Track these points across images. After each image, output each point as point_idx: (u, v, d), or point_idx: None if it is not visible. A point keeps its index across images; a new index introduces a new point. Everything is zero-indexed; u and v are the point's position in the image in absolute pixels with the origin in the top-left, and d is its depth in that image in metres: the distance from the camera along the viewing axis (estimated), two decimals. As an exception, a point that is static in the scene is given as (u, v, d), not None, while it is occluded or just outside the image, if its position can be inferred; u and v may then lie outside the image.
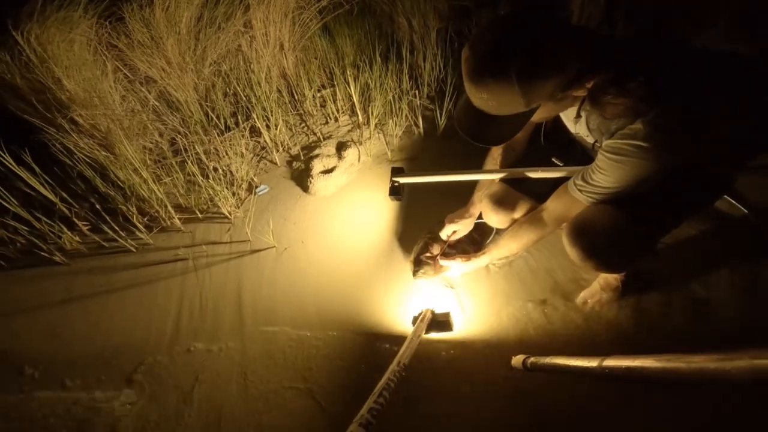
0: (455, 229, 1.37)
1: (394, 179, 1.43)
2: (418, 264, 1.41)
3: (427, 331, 1.24)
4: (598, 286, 1.29)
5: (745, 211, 1.35)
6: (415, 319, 1.29)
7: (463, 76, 0.83)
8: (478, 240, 1.49)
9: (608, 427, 1.09)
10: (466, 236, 1.42)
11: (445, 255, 1.38)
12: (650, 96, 0.79)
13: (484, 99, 0.82)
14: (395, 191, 1.43)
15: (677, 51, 0.85)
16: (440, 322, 1.26)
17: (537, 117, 0.89)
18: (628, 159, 0.85)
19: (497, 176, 1.29)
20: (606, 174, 0.90)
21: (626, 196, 0.92)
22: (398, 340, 1.31)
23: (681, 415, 1.06)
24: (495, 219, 1.33)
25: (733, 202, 1.35)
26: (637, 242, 1.02)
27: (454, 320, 1.29)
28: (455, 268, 1.34)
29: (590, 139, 1.01)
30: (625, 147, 0.84)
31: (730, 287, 1.25)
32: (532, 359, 1.06)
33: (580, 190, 0.98)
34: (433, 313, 1.29)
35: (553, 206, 1.08)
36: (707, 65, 0.85)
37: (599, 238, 0.98)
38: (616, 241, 0.97)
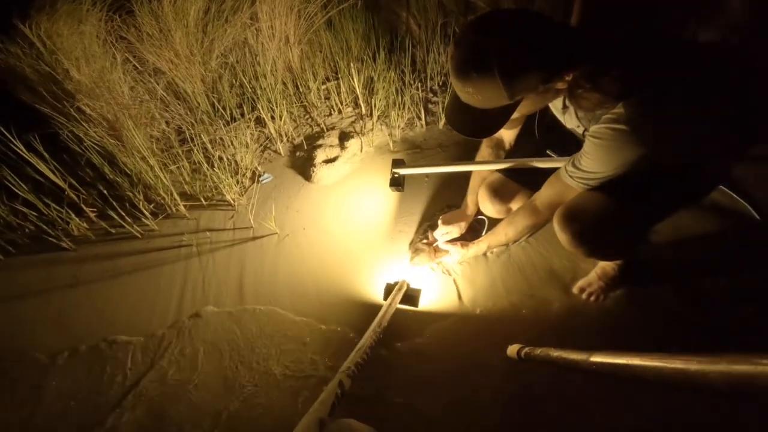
0: (448, 230, 1.40)
1: (395, 170, 1.45)
2: (416, 250, 1.44)
3: (400, 301, 1.30)
4: (595, 275, 1.30)
5: (751, 210, 1.35)
6: (389, 287, 1.37)
7: (450, 73, 0.85)
8: (477, 229, 1.51)
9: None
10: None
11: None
12: (621, 91, 0.81)
13: (469, 93, 0.84)
14: (396, 182, 1.46)
15: (666, 47, 0.86)
16: (410, 296, 1.35)
17: (523, 110, 0.91)
18: (611, 143, 0.86)
19: (493, 167, 1.31)
20: (592, 159, 0.92)
21: (618, 183, 0.93)
22: (397, 317, 1.33)
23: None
24: (491, 208, 1.35)
25: (733, 195, 1.36)
26: (627, 229, 1.02)
27: (422, 298, 1.36)
28: (453, 254, 1.36)
29: (580, 130, 1.03)
30: (608, 131, 0.86)
31: (726, 279, 1.25)
32: (526, 349, 1.06)
33: (570, 176, 0.99)
34: (408, 285, 1.36)
35: (546, 193, 1.09)
36: (695, 60, 0.86)
37: (589, 223, 0.98)
38: (606, 228, 0.98)
